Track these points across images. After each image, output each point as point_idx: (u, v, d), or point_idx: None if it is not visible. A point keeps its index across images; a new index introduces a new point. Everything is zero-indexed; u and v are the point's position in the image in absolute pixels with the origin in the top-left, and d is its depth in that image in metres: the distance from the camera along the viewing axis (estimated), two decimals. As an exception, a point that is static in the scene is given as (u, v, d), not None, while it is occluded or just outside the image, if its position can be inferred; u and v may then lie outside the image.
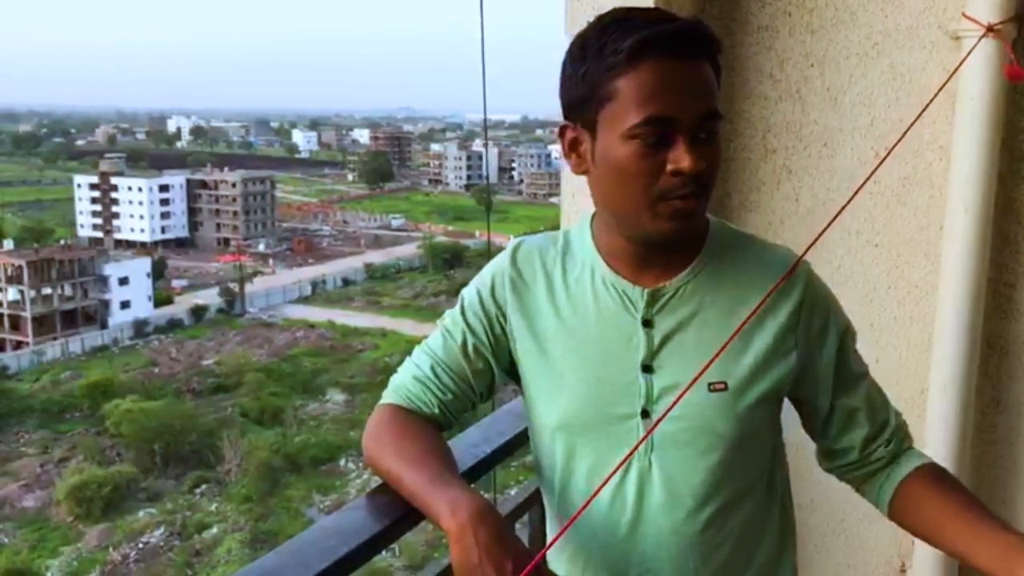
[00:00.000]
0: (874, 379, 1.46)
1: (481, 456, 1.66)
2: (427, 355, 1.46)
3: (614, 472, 1.32)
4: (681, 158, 1.22)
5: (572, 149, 1.33)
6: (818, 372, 1.39)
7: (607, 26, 1.27)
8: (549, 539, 1.53)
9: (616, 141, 1.25)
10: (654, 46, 1.22)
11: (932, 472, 1.42)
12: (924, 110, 1.99)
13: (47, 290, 53.62)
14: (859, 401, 1.43)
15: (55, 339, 50.65)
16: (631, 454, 1.33)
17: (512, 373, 1.47)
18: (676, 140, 1.22)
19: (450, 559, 1.17)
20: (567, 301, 1.40)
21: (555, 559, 1.43)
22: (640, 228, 1.30)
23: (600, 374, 1.36)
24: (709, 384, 1.32)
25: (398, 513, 1.38)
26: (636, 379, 1.35)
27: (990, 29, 2.06)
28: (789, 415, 1.46)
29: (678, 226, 1.27)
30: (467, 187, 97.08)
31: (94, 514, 30.85)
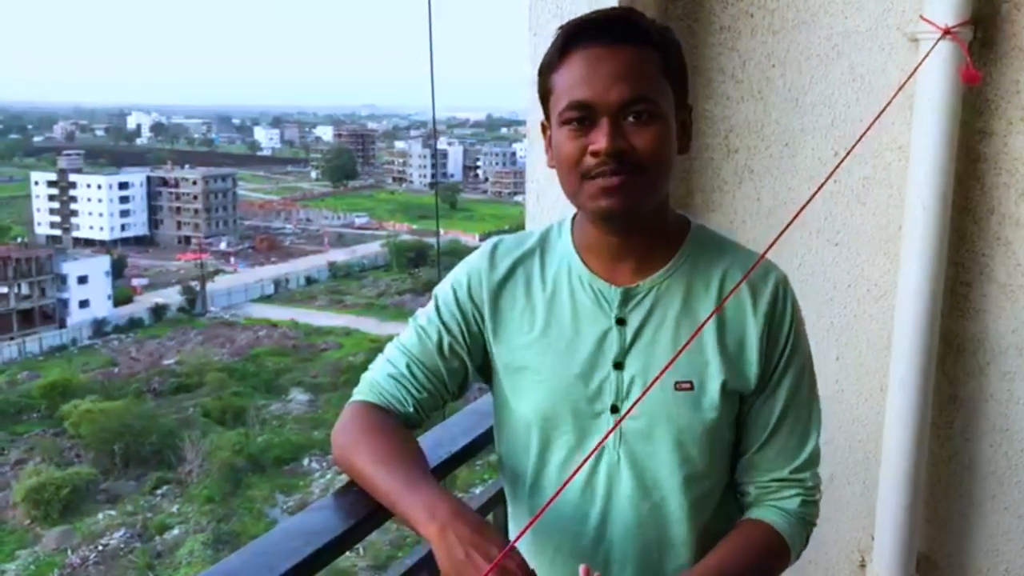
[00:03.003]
0: (809, 438, 1.44)
1: (446, 455, 1.66)
2: (402, 353, 1.46)
3: (579, 468, 1.34)
4: (597, 139, 1.28)
5: (549, 145, 1.38)
6: (768, 388, 1.40)
7: (560, 29, 1.35)
8: (512, 535, 1.54)
9: (556, 129, 1.33)
10: (579, 36, 1.30)
11: (755, 522, 1.42)
12: (883, 111, 2.01)
13: (3, 289, 52.54)
14: (779, 440, 1.42)
15: (12, 339, 49.64)
16: (596, 449, 1.36)
17: (483, 371, 1.49)
18: (599, 123, 1.28)
19: (437, 560, 1.20)
20: (543, 298, 1.42)
21: (522, 549, 1.44)
22: (585, 211, 1.36)
23: (575, 371, 1.39)
24: (676, 383, 1.35)
25: (363, 513, 1.37)
26: (608, 375, 1.37)
27: (947, 32, 2.09)
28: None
29: (607, 203, 1.30)
30: (431, 185, 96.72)
31: (52, 516, 30.28)
